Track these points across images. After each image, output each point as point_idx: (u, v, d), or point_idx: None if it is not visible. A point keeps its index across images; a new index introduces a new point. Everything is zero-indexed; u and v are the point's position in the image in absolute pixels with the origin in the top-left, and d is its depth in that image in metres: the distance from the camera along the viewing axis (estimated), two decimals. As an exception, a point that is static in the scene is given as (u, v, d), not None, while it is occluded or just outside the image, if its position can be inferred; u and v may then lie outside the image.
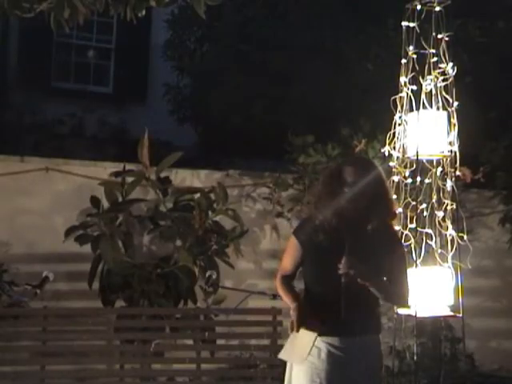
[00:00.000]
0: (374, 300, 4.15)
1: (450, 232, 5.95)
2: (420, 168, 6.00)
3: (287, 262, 4.26)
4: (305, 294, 4.19)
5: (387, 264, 4.09)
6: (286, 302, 4.17)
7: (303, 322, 4.00)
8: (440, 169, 6.08)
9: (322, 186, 4.21)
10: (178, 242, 7.12)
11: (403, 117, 6.10)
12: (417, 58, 6.03)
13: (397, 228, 5.92)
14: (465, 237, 5.98)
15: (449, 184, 6.03)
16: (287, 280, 4.25)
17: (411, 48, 6.03)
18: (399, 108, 6.11)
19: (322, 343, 4.04)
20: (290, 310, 4.05)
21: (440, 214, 5.99)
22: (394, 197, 6.03)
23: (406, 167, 6.10)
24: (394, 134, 6.13)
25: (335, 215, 4.06)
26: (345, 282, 3.97)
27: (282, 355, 4.26)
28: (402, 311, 5.97)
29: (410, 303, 4.43)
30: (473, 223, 7.73)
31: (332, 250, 4.02)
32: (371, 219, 4.07)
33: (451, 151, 6.03)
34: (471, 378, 7.40)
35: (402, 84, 6.09)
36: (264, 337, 6.60)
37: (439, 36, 6.02)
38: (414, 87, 6.03)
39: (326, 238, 4.07)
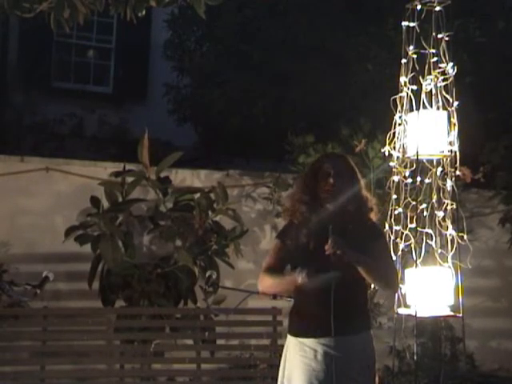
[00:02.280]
0: (363, 297, 4.19)
1: (450, 232, 5.95)
2: (420, 168, 6.00)
3: (271, 260, 4.24)
4: (294, 297, 4.17)
5: (373, 251, 4.07)
6: (280, 282, 4.15)
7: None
8: (440, 169, 6.08)
9: (297, 189, 4.24)
10: (178, 242, 7.12)
11: (403, 117, 6.09)
12: (417, 57, 6.03)
13: (397, 228, 5.97)
14: (465, 237, 5.98)
15: (449, 184, 6.03)
16: (272, 270, 4.22)
17: (411, 48, 6.03)
18: (399, 108, 6.10)
19: (317, 345, 4.03)
20: (294, 277, 4.00)
21: (440, 213, 5.99)
22: (394, 196, 6.06)
23: (406, 167, 6.10)
24: (394, 134, 6.12)
25: (315, 215, 4.08)
26: (334, 274, 3.96)
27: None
28: (402, 311, 5.97)
29: (397, 287, 4.48)
30: (473, 223, 7.73)
31: (318, 251, 4.00)
32: (349, 214, 4.08)
33: (451, 151, 6.03)
34: (471, 378, 7.40)
35: (402, 84, 6.09)
36: (264, 337, 6.61)
37: (439, 36, 6.02)
38: (414, 87, 6.02)
39: (311, 239, 4.07)
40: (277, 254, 4.23)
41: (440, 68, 6.03)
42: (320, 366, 4.01)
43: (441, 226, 5.98)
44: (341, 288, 3.99)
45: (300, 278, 3.96)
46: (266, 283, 4.24)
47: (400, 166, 6.12)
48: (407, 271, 5.92)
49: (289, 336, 4.21)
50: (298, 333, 4.12)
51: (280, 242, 4.22)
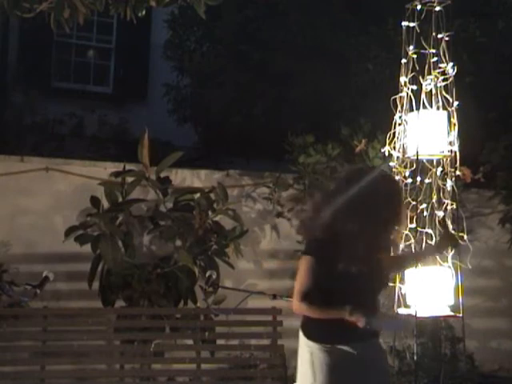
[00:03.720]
0: None
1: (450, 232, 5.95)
2: (420, 168, 6.00)
3: (309, 284, 3.96)
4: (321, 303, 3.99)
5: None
6: (327, 314, 3.93)
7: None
8: (440, 169, 6.08)
9: (343, 205, 3.96)
10: (178, 242, 7.11)
11: (403, 117, 6.10)
12: (417, 57, 6.03)
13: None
14: (465, 237, 5.98)
15: (449, 184, 6.03)
16: (312, 299, 3.98)
17: (411, 48, 6.04)
18: (399, 108, 6.11)
19: (360, 348, 3.99)
20: (346, 316, 3.83)
21: (440, 213, 5.99)
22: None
23: (406, 167, 6.11)
24: (394, 133, 6.13)
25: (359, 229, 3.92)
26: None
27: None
28: (402, 311, 5.97)
29: None
30: (473, 223, 7.73)
31: (360, 263, 3.93)
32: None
33: (451, 151, 6.03)
34: (471, 378, 7.39)
35: (402, 84, 6.10)
36: (264, 337, 6.60)
37: (439, 36, 6.03)
38: (414, 87, 6.03)
39: (356, 263, 3.94)
40: (312, 275, 3.96)
41: (440, 68, 6.04)
42: (367, 371, 4.00)
43: (441, 226, 5.98)
44: (376, 294, 4.08)
45: (360, 322, 3.81)
46: (304, 311, 4.00)
47: (400, 165, 6.13)
48: (407, 271, 5.91)
49: (316, 344, 4.00)
50: (340, 340, 3.97)
51: (316, 263, 3.95)
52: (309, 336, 4.02)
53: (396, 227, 4.04)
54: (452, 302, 5.89)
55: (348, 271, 3.93)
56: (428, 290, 5.83)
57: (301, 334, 4.06)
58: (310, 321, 4.00)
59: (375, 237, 3.96)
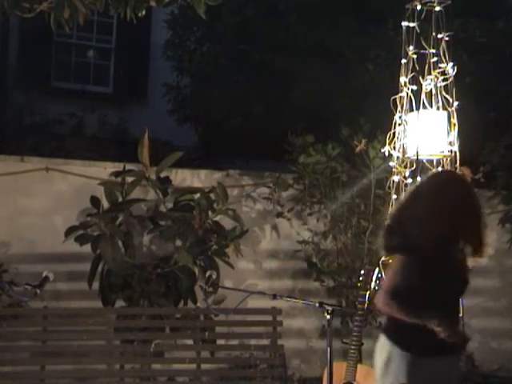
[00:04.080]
0: None
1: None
2: (420, 168, 6.00)
3: (400, 283, 3.90)
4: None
5: None
6: (413, 318, 3.83)
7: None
8: (440, 169, 6.08)
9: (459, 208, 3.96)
10: (178, 242, 7.11)
11: (403, 117, 6.10)
12: (417, 58, 6.03)
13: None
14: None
15: (449, 184, 6.02)
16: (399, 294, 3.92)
17: (411, 48, 6.04)
18: (399, 108, 6.11)
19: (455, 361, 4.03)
20: (430, 324, 3.74)
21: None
22: (394, 197, 6.05)
23: (406, 167, 6.10)
24: (394, 133, 6.13)
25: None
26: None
27: None
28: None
29: None
30: (473, 223, 7.71)
31: (452, 269, 3.95)
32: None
33: (451, 151, 6.03)
34: (471, 378, 7.39)
35: (402, 84, 6.10)
36: (264, 337, 6.60)
37: (439, 36, 6.03)
38: (414, 87, 6.03)
39: (450, 258, 3.95)
40: (404, 275, 3.91)
41: (440, 68, 6.04)
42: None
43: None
44: (459, 300, 4.12)
45: (442, 334, 3.74)
46: (391, 310, 3.94)
47: (400, 165, 6.13)
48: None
49: (409, 354, 3.91)
50: (434, 351, 3.88)
51: (410, 262, 3.91)
52: (402, 347, 3.93)
53: (482, 231, 4.01)
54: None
55: (439, 275, 3.89)
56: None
57: (388, 341, 3.98)
58: (400, 327, 3.91)
59: (466, 241, 3.99)
